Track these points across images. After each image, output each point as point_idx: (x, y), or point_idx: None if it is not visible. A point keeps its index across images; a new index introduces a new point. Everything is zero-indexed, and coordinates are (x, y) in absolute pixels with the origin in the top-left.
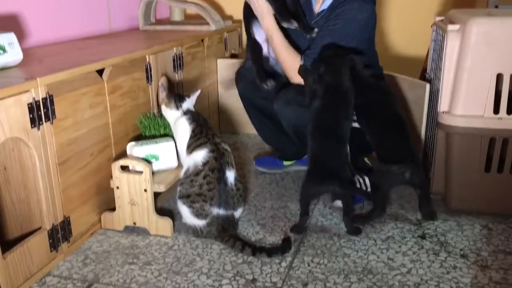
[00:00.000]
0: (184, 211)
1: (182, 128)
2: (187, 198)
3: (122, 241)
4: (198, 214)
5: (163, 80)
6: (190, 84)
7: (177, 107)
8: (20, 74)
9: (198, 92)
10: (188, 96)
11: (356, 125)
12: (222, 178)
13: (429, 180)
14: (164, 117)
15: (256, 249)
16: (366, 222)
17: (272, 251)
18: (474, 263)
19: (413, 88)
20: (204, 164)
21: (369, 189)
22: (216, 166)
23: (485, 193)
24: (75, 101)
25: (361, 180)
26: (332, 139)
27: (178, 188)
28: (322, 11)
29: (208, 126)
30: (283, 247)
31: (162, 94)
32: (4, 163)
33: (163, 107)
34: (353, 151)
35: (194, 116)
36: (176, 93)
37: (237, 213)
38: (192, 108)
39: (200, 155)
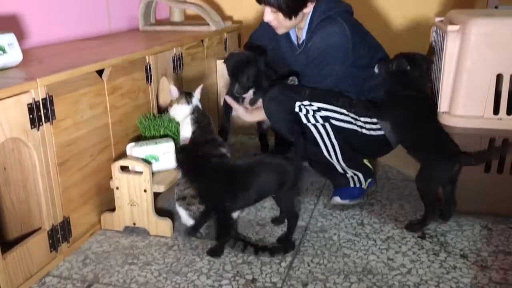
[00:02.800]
0: (182, 213)
1: (185, 128)
2: (183, 200)
3: (122, 242)
4: (195, 217)
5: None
6: (189, 85)
7: (188, 103)
8: (20, 75)
9: (201, 87)
10: (193, 92)
11: (352, 127)
12: None
13: None
14: (168, 115)
15: (259, 249)
16: (422, 228)
17: (274, 251)
18: (474, 263)
19: None
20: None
21: (363, 186)
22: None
23: (485, 194)
24: (75, 101)
25: (355, 177)
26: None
27: (175, 190)
28: (303, 42)
29: (210, 129)
30: (285, 247)
31: (173, 94)
32: (4, 164)
33: (174, 106)
34: (348, 148)
35: (199, 117)
36: (183, 91)
37: (235, 214)
38: (199, 105)
39: None
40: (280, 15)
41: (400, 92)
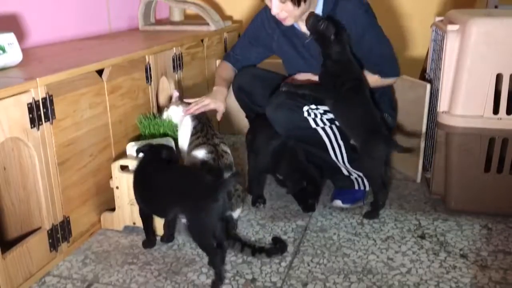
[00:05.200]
0: None
1: (185, 125)
2: None
3: (122, 241)
4: None
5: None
6: (189, 85)
7: (187, 106)
8: (19, 74)
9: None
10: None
11: None
12: None
13: (428, 180)
14: (163, 117)
15: (256, 250)
16: (379, 211)
17: (271, 252)
18: (474, 263)
19: (413, 88)
20: (203, 164)
21: (367, 188)
22: (214, 167)
23: (484, 193)
24: (75, 101)
25: (359, 179)
26: None
27: None
28: None
29: (210, 125)
30: (281, 247)
31: (175, 97)
32: (3, 163)
33: (172, 107)
34: (349, 150)
35: (197, 114)
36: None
37: (236, 214)
38: None
39: (199, 155)
40: (289, 4)
41: (332, 67)
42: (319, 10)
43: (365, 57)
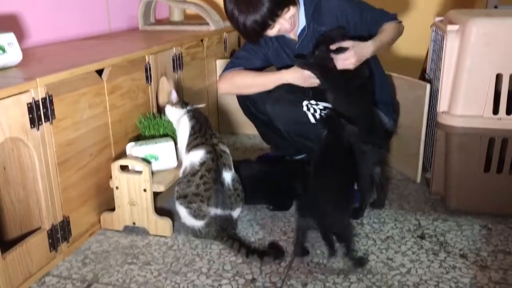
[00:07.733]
0: (182, 212)
1: (182, 126)
2: (184, 198)
3: (122, 241)
4: (196, 215)
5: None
6: (189, 84)
7: (182, 106)
8: (19, 74)
9: (202, 105)
10: (192, 105)
11: None
12: (218, 179)
13: (428, 181)
14: (165, 117)
15: (250, 251)
16: (364, 211)
17: (264, 254)
18: (474, 263)
19: (413, 88)
20: (201, 164)
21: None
22: (212, 167)
23: (484, 193)
24: (75, 101)
25: None
26: None
27: (176, 188)
28: (303, 30)
29: (208, 125)
30: (275, 253)
31: (173, 97)
32: (3, 163)
33: (168, 107)
34: None
35: (195, 114)
36: (182, 100)
37: (235, 213)
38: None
39: (197, 156)
40: (292, 9)
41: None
42: (301, 11)
43: (369, 29)
